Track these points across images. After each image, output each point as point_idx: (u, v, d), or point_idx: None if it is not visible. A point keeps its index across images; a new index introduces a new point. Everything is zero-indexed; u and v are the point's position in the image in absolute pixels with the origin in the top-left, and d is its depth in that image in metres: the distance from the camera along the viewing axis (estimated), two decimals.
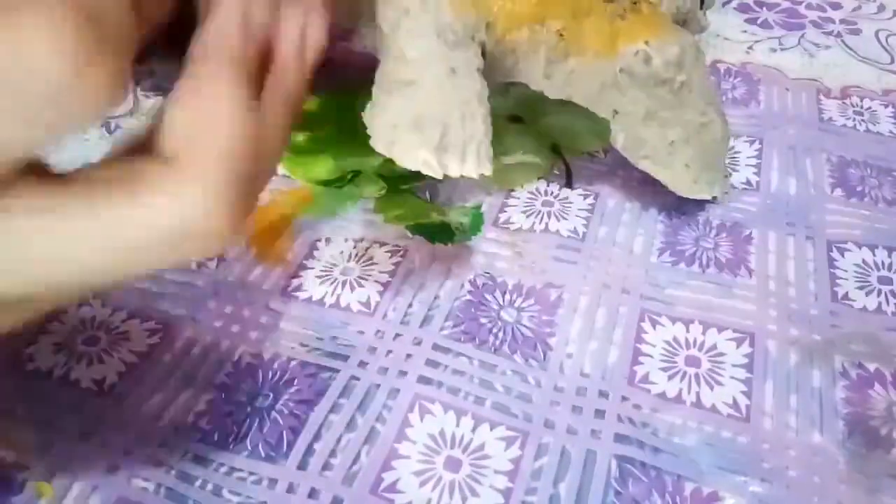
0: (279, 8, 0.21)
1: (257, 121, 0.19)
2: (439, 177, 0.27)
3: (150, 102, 0.42)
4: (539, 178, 0.36)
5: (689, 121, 0.32)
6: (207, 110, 0.18)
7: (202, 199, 0.17)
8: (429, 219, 0.33)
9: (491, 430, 0.26)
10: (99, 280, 0.18)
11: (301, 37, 0.22)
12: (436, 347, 0.28)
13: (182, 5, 0.20)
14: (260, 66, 0.20)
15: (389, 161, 0.35)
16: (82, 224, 0.16)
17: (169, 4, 0.19)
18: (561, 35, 0.30)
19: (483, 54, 0.30)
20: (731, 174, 0.35)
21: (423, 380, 0.27)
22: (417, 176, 0.36)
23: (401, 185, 0.35)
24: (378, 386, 0.27)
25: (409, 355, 0.28)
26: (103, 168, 0.18)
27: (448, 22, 0.28)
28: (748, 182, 0.36)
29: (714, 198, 0.34)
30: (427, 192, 0.35)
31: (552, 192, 0.35)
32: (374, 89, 0.28)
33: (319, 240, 0.33)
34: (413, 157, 0.27)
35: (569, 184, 0.36)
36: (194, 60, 0.19)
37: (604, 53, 0.31)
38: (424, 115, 0.27)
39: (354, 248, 0.33)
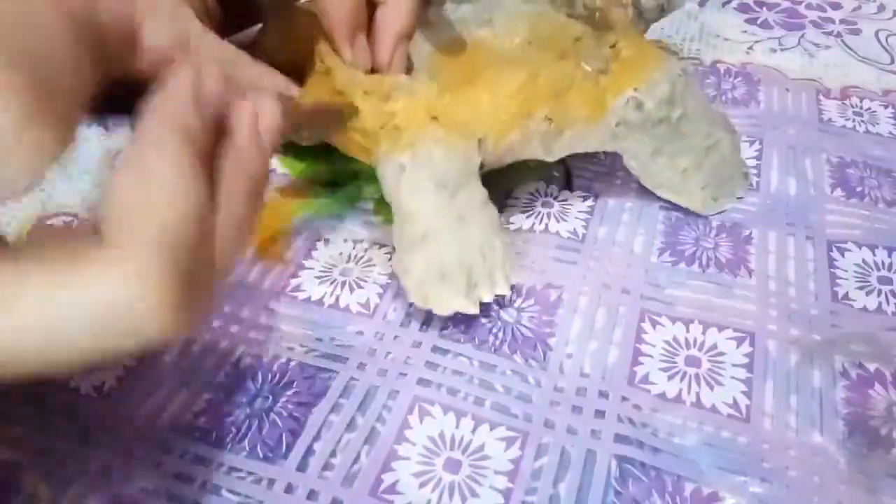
0: (232, 88, 0.20)
1: (205, 199, 0.18)
2: (476, 311, 0.29)
3: None
4: (538, 180, 0.36)
5: (695, 147, 0.32)
6: (147, 181, 0.17)
7: (132, 283, 0.16)
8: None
9: (491, 430, 0.26)
10: (34, 365, 0.16)
11: (257, 117, 0.20)
12: (435, 349, 0.28)
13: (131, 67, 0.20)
14: (213, 148, 0.19)
15: None
16: (10, 295, 0.15)
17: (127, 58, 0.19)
18: (549, 119, 0.30)
19: (482, 166, 0.30)
20: (748, 171, 0.36)
21: (423, 382, 0.27)
22: None
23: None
24: (377, 387, 0.27)
25: (408, 357, 0.28)
26: (36, 244, 0.17)
27: (443, 171, 0.29)
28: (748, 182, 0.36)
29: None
30: None
31: (552, 194, 0.35)
32: (395, 244, 0.29)
33: (319, 240, 0.33)
34: (449, 307, 0.28)
35: (568, 186, 0.35)
36: (140, 127, 0.18)
37: (595, 117, 0.31)
38: (446, 266, 0.28)
39: (354, 249, 0.33)
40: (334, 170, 0.35)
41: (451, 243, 0.28)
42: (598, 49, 0.32)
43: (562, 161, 0.36)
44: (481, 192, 0.30)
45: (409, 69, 0.32)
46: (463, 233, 0.29)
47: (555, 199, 0.35)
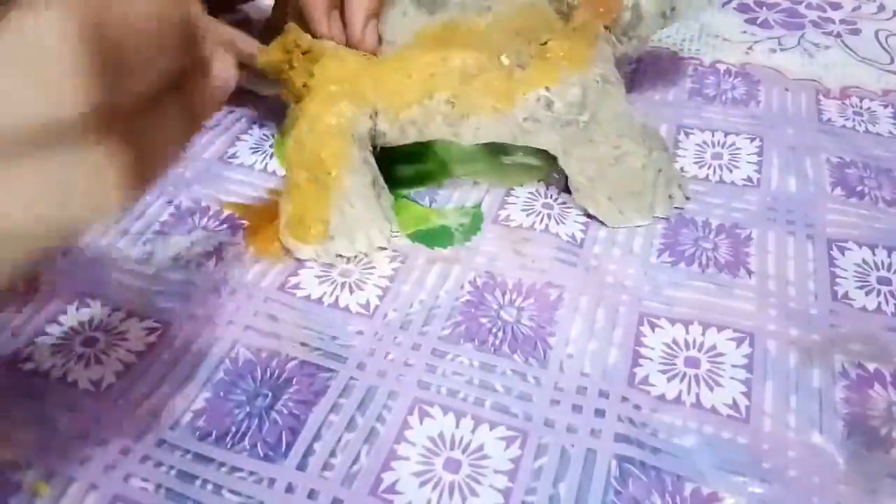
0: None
1: None
2: (329, 261, 0.32)
3: None
4: (538, 181, 0.36)
5: (602, 156, 0.32)
6: None
7: None
8: (429, 223, 0.33)
9: (490, 430, 0.26)
10: None
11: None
12: (435, 351, 0.28)
13: None
14: None
15: (389, 165, 0.35)
16: None
17: None
18: (452, 103, 0.32)
19: (383, 135, 0.33)
20: (677, 193, 0.34)
21: (423, 384, 0.27)
22: (417, 181, 0.36)
23: (400, 188, 0.35)
24: (377, 387, 0.27)
25: (408, 359, 0.28)
26: None
27: (323, 129, 0.32)
28: (749, 179, 0.36)
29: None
30: (427, 197, 0.35)
31: (552, 196, 0.35)
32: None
33: None
34: (301, 252, 0.32)
35: (568, 187, 0.35)
36: None
37: (502, 108, 0.32)
38: (305, 216, 0.32)
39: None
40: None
41: (314, 195, 0.32)
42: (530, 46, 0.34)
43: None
44: (359, 156, 0.32)
45: (378, 43, 0.35)
46: (327, 189, 0.32)
47: (554, 200, 0.35)
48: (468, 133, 0.33)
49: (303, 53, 0.34)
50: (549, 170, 0.36)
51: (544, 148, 0.33)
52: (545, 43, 0.33)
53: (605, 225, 0.33)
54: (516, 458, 0.25)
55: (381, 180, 0.33)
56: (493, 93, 0.32)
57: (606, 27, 0.36)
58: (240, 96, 0.41)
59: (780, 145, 0.38)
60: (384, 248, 0.32)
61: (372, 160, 0.33)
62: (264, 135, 0.39)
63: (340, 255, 0.32)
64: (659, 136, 0.34)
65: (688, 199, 0.34)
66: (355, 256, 0.32)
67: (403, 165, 0.36)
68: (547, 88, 0.32)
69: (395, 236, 0.33)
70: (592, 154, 0.32)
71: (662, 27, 0.37)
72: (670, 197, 0.34)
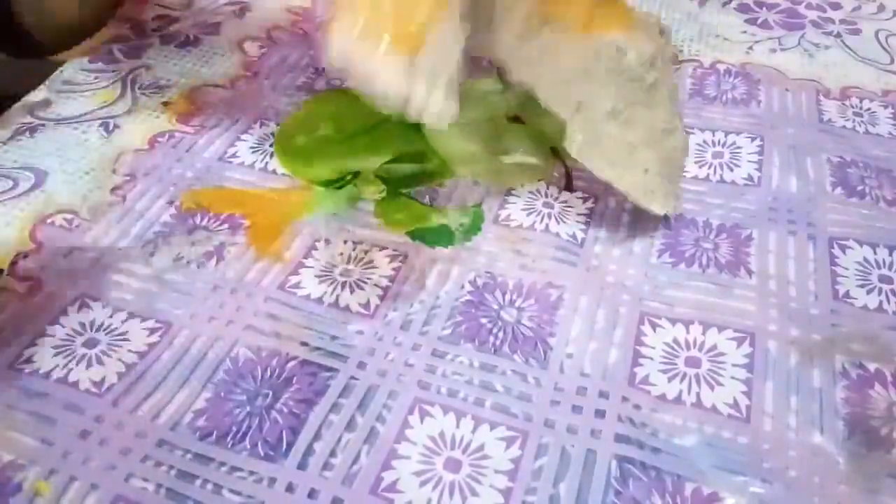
0: None
1: None
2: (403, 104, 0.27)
3: (148, 101, 0.42)
4: (539, 181, 0.36)
5: (653, 124, 0.31)
6: None
7: None
8: (429, 222, 0.33)
9: (491, 430, 0.26)
10: None
11: None
12: (435, 351, 0.28)
13: None
14: None
15: (389, 163, 0.35)
16: None
17: None
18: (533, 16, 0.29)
19: None
20: (680, 196, 0.34)
21: (423, 384, 0.27)
22: (417, 180, 0.36)
23: (400, 188, 0.35)
24: (378, 387, 0.27)
25: (408, 359, 0.28)
26: None
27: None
28: (749, 178, 0.36)
29: (666, 217, 0.33)
30: (427, 196, 0.35)
31: (552, 195, 0.35)
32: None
33: (319, 240, 0.33)
34: (385, 76, 0.27)
35: (568, 187, 0.35)
36: None
37: (579, 34, 0.29)
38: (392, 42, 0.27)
39: (354, 250, 0.33)
40: (334, 170, 0.35)
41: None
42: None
43: (562, 162, 0.37)
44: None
45: None
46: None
47: (555, 199, 0.35)
48: (533, 46, 0.30)
49: None
50: (550, 169, 0.36)
51: (591, 100, 0.30)
52: None
53: (603, 225, 0.33)
54: (516, 459, 0.25)
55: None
56: (579, 12, 0.30)
57: None
58: (240, 98, 0.42)
59: (781, 145, 0.38)
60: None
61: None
62: (264, 134, 0.39)
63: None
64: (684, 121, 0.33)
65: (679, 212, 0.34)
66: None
67: (404, 164, 0.36)
68: (623, 35, 0.29)
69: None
70: (644, 120, 0.30)
71: None
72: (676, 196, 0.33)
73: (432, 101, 0.28)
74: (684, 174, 0.35)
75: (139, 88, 0.42)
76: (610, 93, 0.30)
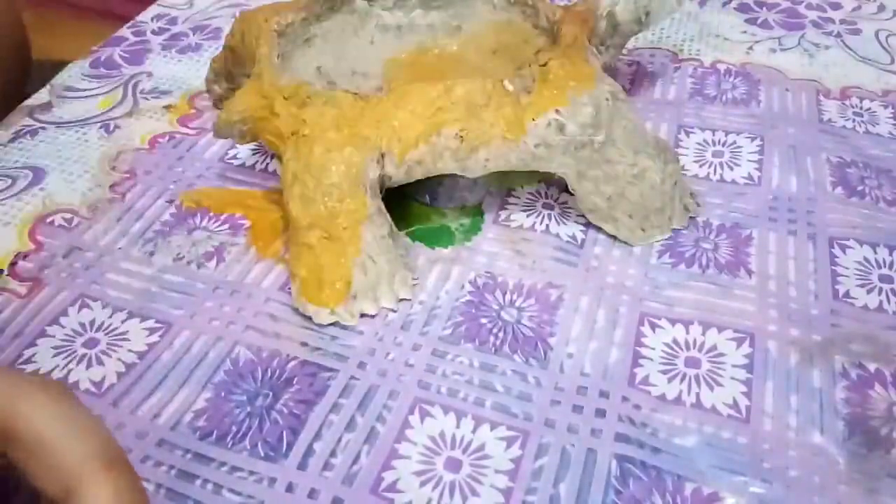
0: None
1: None
2: (354, 322, 0.29)
3: (149, 104, 0.42)
4: (539, 182, 0.36)
5: (619, 174, 0.31)
6: None
7: None
8: (429, 222, 0.33)
9: (491, 430, 0.26)
10: None
11: None
12: (435, 351, 0.28)
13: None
14: None
15: None
16: None
17: None
18: (461, 137, 0.30)
19: (389, 178, 0.31)
20: (692, 204, 0.34)
21: (423, 384, 0.27)
22: (417, 180, 0.36)
23: (401, 189, 0.35)
24: (378, 387, 0.27)
25: (408, 359, 0.28)
26: None
27: (330, 183, 0.29)
28: (749, 177, 0.36)
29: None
30: (427, 196, 0.35)
31: (552, 196, 0.35)
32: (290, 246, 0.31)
33: None
34: (325, 317, 0.29)
35: (568, 188, 0.35)
36: None
37: (512, 136, 0.30)
38: (324, 275, 0.29)
39: None
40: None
41: (330, 254, 0.29)
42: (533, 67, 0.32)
43: None
44: (373, 206, 0.30)
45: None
46: (344, 246, 0.29)
47: (555, 201, 0.35)
48: (477, 166, 0.31)
49: (285, 98, 0.31)
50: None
51: (557, 173, 0.31)
52: (545, 64, 0.31)
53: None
54: (517, 458, 0.25)
55: (394, 227, 0.31)
56: (503, 122, 0.30)
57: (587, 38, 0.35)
58: None
59: (781, 145, 0.38)
60: (408, 299, 0.30)
61: (384, 208, 0.31)
62: None
63: (365, 315, 0.30)
64: (670, 147, 0.33)
65: (699, 205, 0.34)
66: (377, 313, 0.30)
67: None
68: (557, 111, 0.30)
69: (416, 283, 0.31)
70: (610, 174, 0.31)
71: (637, 33, 0.37)
72: (685, 208, 0.33)
73: (391, 299, 0.30)
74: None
75: (140, 93, 0.42)
76: (569, 163, 0.31)
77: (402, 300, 0.30)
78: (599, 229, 0.33)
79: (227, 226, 0.34)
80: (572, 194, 0.35)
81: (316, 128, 0.30)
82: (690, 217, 0.33)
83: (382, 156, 0.30)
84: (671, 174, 0.32)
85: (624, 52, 0.45)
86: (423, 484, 0.24)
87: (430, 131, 0.30)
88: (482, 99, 0.30)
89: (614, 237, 0.33)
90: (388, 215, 0.31)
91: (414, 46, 0.35)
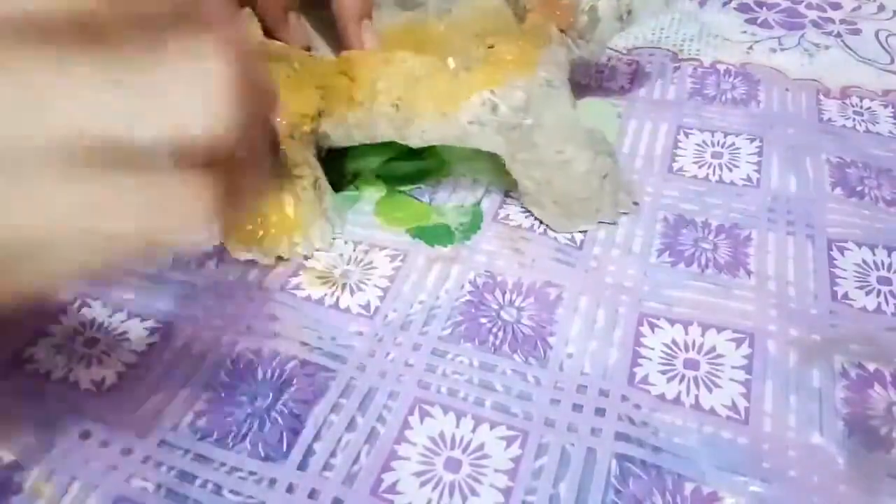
0: None
1: None
2: (267, 261, 0.31)
3: None
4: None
5: (546, 161, 0.32)
6: None
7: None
8: (429, 220, 0.33)
9: (491, 429, 0.26)
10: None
11: None
12: (435, 351, 0.28)
13: None
14: None
15: (388, 162, 0.35)
16: None
17: None
18: (396, 106, 0.32)
19: (326, 137, 0.33)
20: (624, 199, 0.34)
21: (423, 384, 0.27)
22: (417, 178, 0.36)
23: (400, 187, 0.35)
24: (377, 388, 0.27)
25: (408, 359, 0.28)
26: None
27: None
28: (748, 179, 0.36)
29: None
30: (426, 194, 0.35)
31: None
32: None
33: None
34: (240, 252, 0.31)
35: None
36: None
37: (446, 111, 0.32)
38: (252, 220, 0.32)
39: (354, 251, 0.33)
40: (335, 172, 0.35)
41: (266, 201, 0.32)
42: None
43: None
44: (300, 157, 0.32)
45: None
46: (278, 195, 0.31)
47: None
48: (414, 136, 0.32)
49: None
50: None
51: (490, 151, 0.32)
52: (492, 46, 0.33)
53: (603, 225, 0.33)
54: (516, 458, 0.25)
55: (324, 182, 0.33)
56: (437, 96, 0.32)
57: (562, 30, 0.35)
58: None
59: (780, 145, 0.38)
60: (324, 250, 0.32)
61: (314, 161, 0.32)
62: None
63: (280, 257, 0.32)
64: (605, 140, 0.34)
65: (636, 203, 0.34)
66: (305, 257, 0.32)
67: (403, 162, 0.36)
68: (492, 91, 0.31)
69: (338, 237, 0.33)
70: (537, 158, 0.32)
71: (619, 30, 0.37)
72: (618, 203, 0.33)
73: (307, 247, 0.32)
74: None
75: None
76: (501, 143, 0.32)
77: (318, 250, 0.32)
78: (598, 229, 0.33)
79: None
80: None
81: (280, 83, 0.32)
82: (623, 213, 0.34)
83: (319, 114, 0.33)
84: (601, 166, 0.32)
85: (623, 51, 0.45)
86: (422, 485, 0.24)
87: (366, 97, 0.32)
88: (421, 72, 0.32)
89: (613, 237, 0.33)
90: (319, 169, 0.33)
91: (406, 23, 0.37)
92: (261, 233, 0.31)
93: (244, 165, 0.19)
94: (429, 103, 0.32)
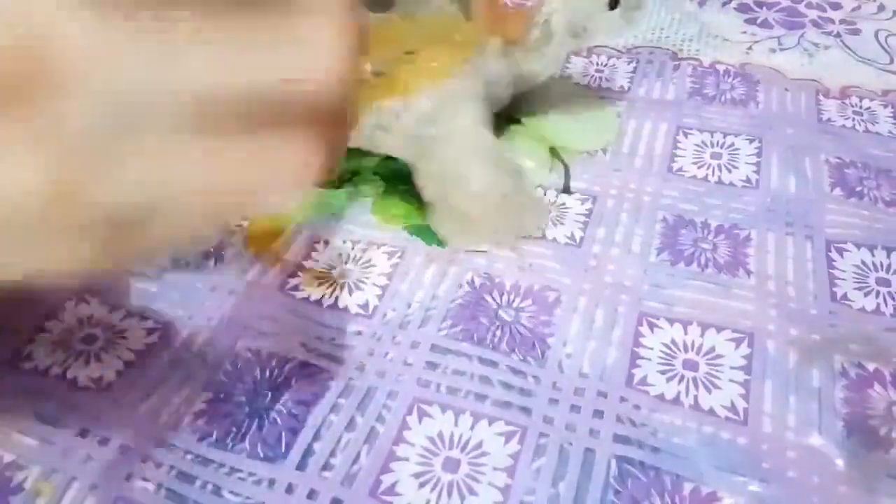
0: None
1: None
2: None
3: None
4: (536, 187, 0.36)
5: (445, 174, 0.31)
6: None
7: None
8: (426, 219, 0.33)
9: (489, 428, 0.26)
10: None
11: None
12: (434, 349, 0.28)
13: None
14: None
15: (387, 160, 0.35)
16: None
17: None
18: None
19: None
20: (528, 223, 0.33)
21: (422, 382, 0.27)
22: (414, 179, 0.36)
23: (399, 185, 0.35)
24: (377, 387, 0.27)
25: (407, 358, 0.28)
26: None
27: None
28: (748, 179, 0.36)
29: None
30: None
31: (550, 200, 0.35)
32: None
33: (318, 241, 0.33)
34: None
35: (566, 189, 0.35)
36: None
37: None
38: None
39: (353, 249, 0.33)
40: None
41: None
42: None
43: (561, 161, 0.37)
44: None
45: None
46: None
47: (552, 204, 0.35)
48: None
49: None
50: (549, 170, 0.36)
51: (397, 156, 0.33)
52: (412, 52, 0.33)
53: (602, 225, 0.33)
54: (515, 458, 0.25)
55: None
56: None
57: (511, 43, 0.35)
58: None
59: (780, 145, 0.38)
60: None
61: None
62: None
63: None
64: (510, 161, 0.33)
65: (542, 230, 0.33)
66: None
67: (402, 161, 0.36)
68: (399, 99, 0.31)
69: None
70: (437, 170, 0.32)
71: (574, 48, 0.36)
72: (518, 227, 0.33)
73: None
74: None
75: None
76: (402, 151, 0.32)
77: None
78: (598, 228, 0.33)
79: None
80: (570, 194, 0.35)
81: None
82: (524, 237, 0.33)
83: None
84: (500, 186, 0.32)
85: (622, 50, 0.45)
86: (421, 486, 0.24)
87: None
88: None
89: (613, 237, 0.33)
90: None
91: (377, 21, 0.37)
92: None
93: (341, 120, 0.18)
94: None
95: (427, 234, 0.33)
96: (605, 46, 0.45)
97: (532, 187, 0.35)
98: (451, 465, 0.25)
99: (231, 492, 0.24)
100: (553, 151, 0.37)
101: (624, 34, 0.34)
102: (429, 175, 0.32)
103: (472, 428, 0.26)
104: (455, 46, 0.33)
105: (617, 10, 0.34)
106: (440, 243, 0.33)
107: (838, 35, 0.47)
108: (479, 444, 0.25)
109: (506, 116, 0.38)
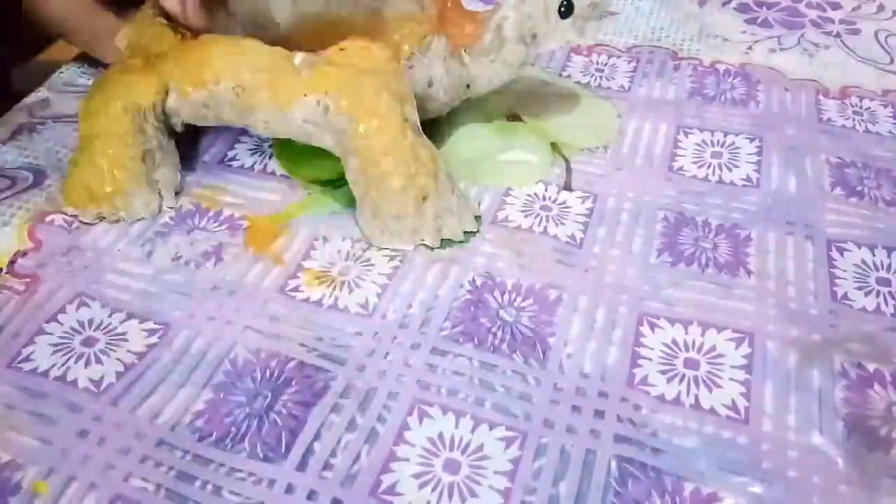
0: None
1: None
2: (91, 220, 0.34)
3: None
4: (537, 183, 0.36)
5: (367, 171, 0.32)
6: None
7: None
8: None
9: (490, 430, 0.26)
10: None
11: None
12: (434, 350, 0.28)
13: None
14: None
15: None
16: None
17: None
18: (236, 92, 0.33)
19: (177, 113, 0.34)
20: (451, 226, 0.32)
21: (422, 383, 0.27)
22: None
23: None
24: (377, 388, 0.27)
25: (407, 358, 0.28)
26: None
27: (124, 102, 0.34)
28: (748, 179, 0.36)
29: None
30: None
31: (550, 198, 0.35)
32: None
33: (317, 239, 0.33)
34: (69, 209, 0.34)
35: (567, 186, 0.35)
36: None
37: (281, 105, 0.32)
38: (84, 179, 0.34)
39: (352, 248, 0.33)
40: (333, 170, 0.35)
41: (87, 162, 0.34)
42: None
43: (563, 157, 0.37)
44: (131, 130, 0.33)
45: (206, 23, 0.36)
46: (93, 156, 0.34)
47: (554, 202, 0.35)
48: (258, 125, 0.33)
49: (145, 28, 0.35)
50: (550, 166, 0.36)
51: (329, 150, 0.33)
52: (344, 49, 0.32)
53: (602, 224, 0.33)
54: (516, 459, 0.25)
55: (158, 155, 0.34)
56: (276, 89, 0.32)
57: (464, 47, 0.34)
58: None
59: (780, 145, 0.38)
60: (145, 218, 0.34)
61: (153, 133, 0.34)
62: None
63: (103, 217, 0.34)
64: (435, 162, 0.32)
65: (472, 233, 0.33)
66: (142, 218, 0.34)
67: None
68: (326, 93, 0.31)
69: (159, 205, 0.34)
70: (360, 167, 0.32)
71: (526, 55, 0.35)
72: (440, 228, 0.32)
73: (129, 213, 0.34)
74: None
75: None
76: (332, 146, 0.33)
77: (142, 218, 0.34)
78: (598, 228, 0.33)
79: (225, 226, 0.34)
80: (571, 191, 0.35)
81: (133, 50, 0.35)
82: (447, 239, 0.32)
83: (167, 90, 0.34)
84: (420, 187, 0.32)
85: (623, 49, 0.45)
86: (422, 486, 0.24)
87: (211, 79, 0.33)
88: (264, 65, 0.32)
89: (614, 237, 0.33)
90: (156, 143, 0.34)
91: (322, 12, 0.37)
92: (87, 196, 0.34)
93: None
94: (264, 94, 0.32)
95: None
96: (606, 46, 0.45)
97: (464, 192, 0.34)
98: (452, 467, 0.25)
99: (231, 492, 0.24)
100: (555, 147, 0.37)
101: (576, 42, 0.34)
102: (353, 171, 0.32)
103: (472, 431, 0.26)
104: (390, 46, 0.33)
105: (569, 20, 0.34)
106: (441, 247, 0.32)
107: (838, 35, 0.47)
108: (480, 447, 0.25)
109: (508, 114, 0.38)
